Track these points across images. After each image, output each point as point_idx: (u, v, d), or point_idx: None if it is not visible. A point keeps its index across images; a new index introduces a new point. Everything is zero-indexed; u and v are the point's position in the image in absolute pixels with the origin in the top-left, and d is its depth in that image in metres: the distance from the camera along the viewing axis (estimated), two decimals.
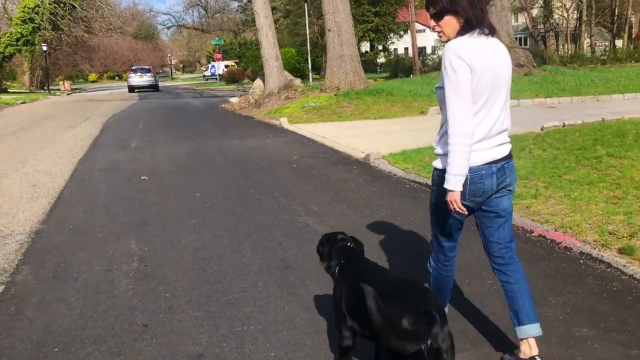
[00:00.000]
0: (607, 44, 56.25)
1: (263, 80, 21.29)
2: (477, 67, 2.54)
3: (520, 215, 5.28)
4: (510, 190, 2.79)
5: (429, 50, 70.16)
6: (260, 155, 9.68)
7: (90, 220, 5.90)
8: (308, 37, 27.40)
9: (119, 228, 5.59)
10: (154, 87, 39.48)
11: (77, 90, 48.15)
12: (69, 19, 45.17)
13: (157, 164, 9.13)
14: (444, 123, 2.67)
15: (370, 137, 10.65)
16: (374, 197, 6.46)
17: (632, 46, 50.07)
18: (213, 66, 65.22)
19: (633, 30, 54.46)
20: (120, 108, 22.57)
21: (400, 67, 43.87)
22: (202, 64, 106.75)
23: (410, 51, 70.94)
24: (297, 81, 20.68)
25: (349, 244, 2.91)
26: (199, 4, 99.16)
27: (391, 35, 55.02)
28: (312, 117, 14.17)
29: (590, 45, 52.25)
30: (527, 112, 13.22)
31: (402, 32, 55.91)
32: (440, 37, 2.73)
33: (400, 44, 62.20)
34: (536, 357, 2.75)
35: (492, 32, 2.65)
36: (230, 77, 50.60)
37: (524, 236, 4.82)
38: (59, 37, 48.34)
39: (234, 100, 22.21)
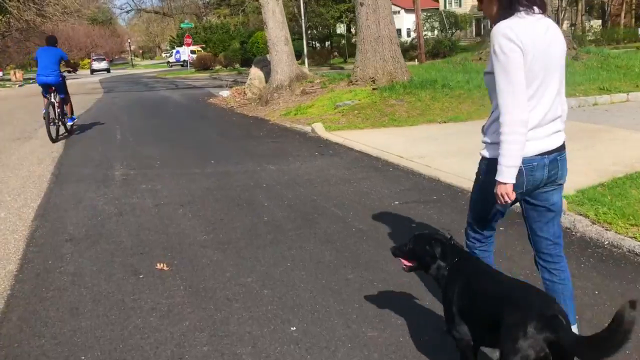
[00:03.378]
0: (588, 23, 54.03)
1: (261, 69, 17.50)
2: (528, 50, 2.38)
3: None
4: (560, 184, 2.66)
5: (403, 33, 67.06)
6: (333, 196, 6.03)
7: None
8: (303, 15, 23.61)
9: None
10: (107, 70, 57.37)
11: (31, 81, 43.08)
12: (18, 0, 40.09)
13: (171, 223, 5.40)
14: (494, 110, 2.55)
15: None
16: None
17: (608, 26, 47.83)
18: (178, 52, 61.27)
19: (609, 9, 52.25)
20: (85, 105, 18.42)
21: None
22: (163, 49, 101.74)
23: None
24: (305, 70, 16.96)
25: (454, 243, 2.69)
26: None
27: None
28: (355, 121, 10.52)
29: (581, 25, 49.76)
30: None
31: None
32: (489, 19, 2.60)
33: None
34: None
35: (542, 9, 2.48)
36: (201, 64, 46.63)
37: None
38: (7, 22, 43.27)
39: (225, 93, 18.35)
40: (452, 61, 20.76)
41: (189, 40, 43.42)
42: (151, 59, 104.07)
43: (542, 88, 2.47)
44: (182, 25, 53.62)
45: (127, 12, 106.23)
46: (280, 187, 6.57)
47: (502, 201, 2.50)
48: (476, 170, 2.74)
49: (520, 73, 2.38)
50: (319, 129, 10.15)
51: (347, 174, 7.04)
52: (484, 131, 2.65)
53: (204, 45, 54.53)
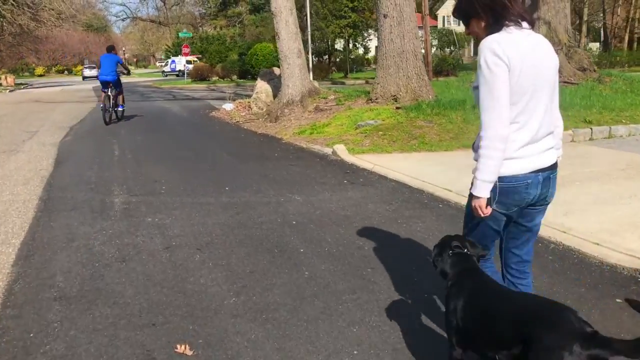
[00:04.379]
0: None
1: (268, 82, 16.47)
2: (515, 66, 2.35)
3: None
4: (547, 203, 2.64)
5: None
6: (384, 242, 4.94)
7: None
8: (309, 28, 22.64)
9: None
10: (97, 77, 55.76)
11: (22, 86, 41.93)
12: (12, 4, 38.94)
13: (187, 275, 4.29)
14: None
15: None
16: None
17: (611, 49, 47.29)
18: (173, 61, 60.64)
19: (612, 32, 51.86)
20: (79, 115, 17.30)
21: None
22: (157, 58, 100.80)
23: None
24: (316, 84, 15.93)
25: (465, 251, 2.58)
26: None
27: (370, 31, 51.00)
28: (381, 144, 9.47)
29: (584, 48, 49.22)
30: None
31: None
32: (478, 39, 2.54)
33: (372, 42, 57.82)
34: None
35: (531, 24, 2.44)
36: (198, 75, 45.53)
37: None
38: (0, 26, 42.11)
39: (228, 107, 17.26)
40: (465, 79, 19.90)
41: (187, 50, 42.30)
42: (145, 68, 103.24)
43: (532, 104, 2.43)
44: (180, 34, 52.64)
45: (123, 19, 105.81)
46: (314, 226, 5.47)
47: (477, 214, 2.51)
48: (469, 187, 2.61)
49: (504, 89, 2.35)
50: (342, 152, 9.09)
51: (390, 211, 5.96)
52: (475, 149, 2.57)
53: (200, 56, 53.70)
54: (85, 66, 62.78)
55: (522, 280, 2.81)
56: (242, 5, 63.91)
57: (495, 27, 2.44)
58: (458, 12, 2.62)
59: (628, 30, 46.01)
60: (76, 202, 6.53)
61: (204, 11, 78.05)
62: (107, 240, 5.11)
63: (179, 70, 57.21)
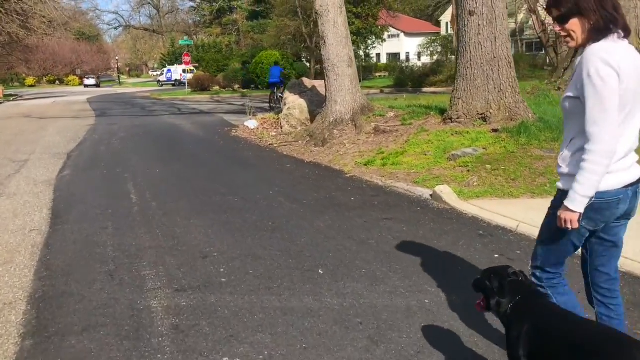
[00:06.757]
0: None
1: (299, 95, 13.98)
2: (624, 76, 2.25)
3: None
4: (630, 217, 2.52)
5: (402, 57, 64.24)
6: None
7: None
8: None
9: None
10: (97, 85, 65.54)
11: (12, 98, 39.20)
12: (0, 11, 36.34)
13: None
14: (572, 139, 2.43)
15: None
16: None
17: None
18: (169, 70, 58.57)
19: None
20: (76, 135, 14.69)
21: (408, 77, 36.94)
22: (150, 67, 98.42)
23: (383, 57, 64.66)
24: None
25: (520, 279, 2.51)
26: (150, 3, 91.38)
27: (373, 38, 48.72)
28: (497, 184, 6.96)
29: None
30: None
31: (385, 36, 49.48)
32: (567, 42, 2.43)
33: (374, 50, 55.54)
34: None
35: (627, 34, 2.36)
36: (198, 84, 42.96)
37: None
38: None
39: (250, 124, 14.72)
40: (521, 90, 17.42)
41: (188, 59, 39.69)
42: (138, 77, 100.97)
43: (629, 117, 2.33)
44: (181, 42, 50.15)
45: (115, 28, 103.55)
46: None
47: (563, 226, 2.38)
48: (549, 205, 2.57)
49: (616, 100, 2.23)
50: (448, 196, 6.58)
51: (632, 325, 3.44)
52: (562, 162, 2.48)
53: (197, 65, 51.35)
54: (86, 77, 68.74)
55: (613, 300, 2.62)
56: (237, 13, 61.79)
57: (602, 33, 2.30)
58: (562, 2, 2.34)
59: None
60: (90, 308, 3.96)
61: (198, 19, 76.05)
62: None
63: (176, 80, 54.94)
